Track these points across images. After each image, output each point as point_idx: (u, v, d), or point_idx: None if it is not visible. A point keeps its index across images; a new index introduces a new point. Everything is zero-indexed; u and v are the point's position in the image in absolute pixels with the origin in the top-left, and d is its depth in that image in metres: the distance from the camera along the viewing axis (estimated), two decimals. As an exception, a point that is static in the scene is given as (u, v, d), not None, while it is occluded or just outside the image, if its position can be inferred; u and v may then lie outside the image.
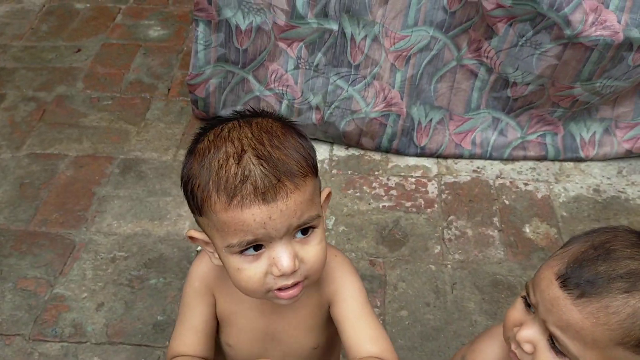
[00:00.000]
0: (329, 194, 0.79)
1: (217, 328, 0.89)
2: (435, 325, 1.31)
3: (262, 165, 0.67)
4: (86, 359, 1.22)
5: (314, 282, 0.77)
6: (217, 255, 0.76)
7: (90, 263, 1.41)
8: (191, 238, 0.78)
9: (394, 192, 1.62)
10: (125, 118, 1.83)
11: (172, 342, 0.89)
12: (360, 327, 0.84)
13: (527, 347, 0.72)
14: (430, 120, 1.68)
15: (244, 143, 0.69)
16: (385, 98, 1.61)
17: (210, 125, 0.75)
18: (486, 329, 0.90)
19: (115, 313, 1.31)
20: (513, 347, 0.75)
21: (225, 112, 1.71)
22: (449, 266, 1.44)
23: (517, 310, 0.74)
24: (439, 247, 1.48)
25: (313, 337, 0.87)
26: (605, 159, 1.69)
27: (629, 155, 1.69)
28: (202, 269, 0.86)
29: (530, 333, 0.71)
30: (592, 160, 1.69)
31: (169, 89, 1.95)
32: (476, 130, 1.69)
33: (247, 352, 0.87)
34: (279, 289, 0.73)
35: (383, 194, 1.62)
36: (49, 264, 1.41)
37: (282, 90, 1.63)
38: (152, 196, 1.59)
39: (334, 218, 1.55)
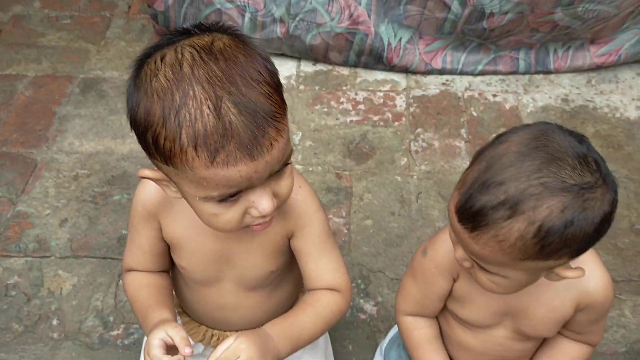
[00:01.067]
0: None
1: (170, 250, 0.88)
2: (399, 233, 1.32)
3: (243, 116, 0.61)
4: (51, 272, 1.23)
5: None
6: (173, 189, 0.71)
7: (52, 181, 1.40)
8: (144, 178, 0.71)
9: (361, 106, 1.60)
10: (85, 37, 1.77)
11: (125, 256, 0.89)
12: (320, 261, 0.85)
13: (466, 264, 0.74)
14: (400, 39, 1.63)
15: (215, 87, 0.60)
16: (351, 15, 1.55)
17: (154, 51, 0.63)
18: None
19: (79, 228, 1.31)
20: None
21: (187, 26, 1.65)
22: (415, 177, 1.44)
23: (451, 232, 0.75)
24: (405, 159, 1.47)
25: (271, 262, 0.86)
26: (573, 71, 1.67)
27: (598, 68, 1.67)
28: (144, 195, 0.83)
29: (461, 253, 0.74)
30: (562, 73, 1.67)
31: (129, 6, 1.87)
32: (447, 48, 1.65)
33: (201, 274, 0.86)
34: (257, 225, 0.72)
35: (351, 108, 1.60)
36: (10, 183, 1.39)
37: (244, 2, 1.57)
38: (114, 115, 1.56)
39: (300, 133, 1.53)
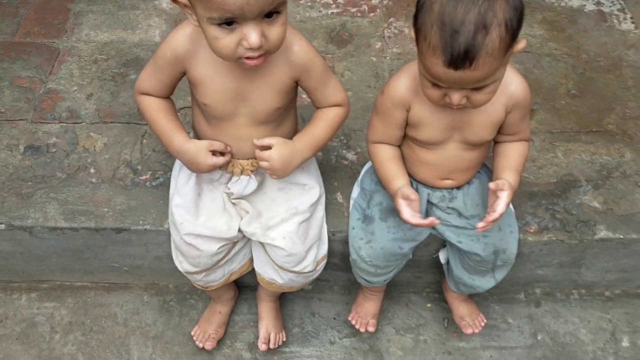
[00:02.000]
0: None
1: (192, 90, 1.12)
2: (374, 101, 1.57)
3: None
4: (84, 134, 1.46)
5: (273, 54, 0.98)
6: (195, 18, 0.96)
7: (75, 64, 1.61)
8: (175, 1, 0.95)
9: (341, 0, 1.82)
10: (89, -57, 1.93)
11: (142, 81, 1.12)
12: (324, 90, 1.13)
13: (464, 101, 0.96)
14: None
15: None
16: None
17: None
18: (397, 72, 1.13)
19: (103, 101, 1.53)
20: (446, 103, 0.99)
21: None
22: (388, 57, 1.68)
23: (434, 93, 0.98)
24: (379, 44, 1.71)
25: (278, 99, 1.10)
26: None
27: None
28: (175, 42, 1.05)
29: (457, 96, 0.95)
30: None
31: None
32: None
33: (220, 109, 1.10)
34: (247, 58, 0.95)
35: (331, 2, 1.82)
36: (39, 66, 1.60)
37: None
38: (123, 10, 1.76)
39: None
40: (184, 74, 1.10)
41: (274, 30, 0.93)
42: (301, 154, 1.14)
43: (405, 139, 1.18)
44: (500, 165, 1.12)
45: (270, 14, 0.91)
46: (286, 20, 0.95)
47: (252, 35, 0.90)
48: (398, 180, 1.14)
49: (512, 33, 0.90)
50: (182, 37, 1.05)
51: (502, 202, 1.04)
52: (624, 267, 1.42)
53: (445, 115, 1.08)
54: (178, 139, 1.12)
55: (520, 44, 0.95)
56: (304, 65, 1.08)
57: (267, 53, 0.95)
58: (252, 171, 1.19)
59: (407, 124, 1.13)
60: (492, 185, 1.06)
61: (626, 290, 1.50)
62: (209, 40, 0.94)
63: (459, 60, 0.88)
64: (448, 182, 1.19)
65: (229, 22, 0.90)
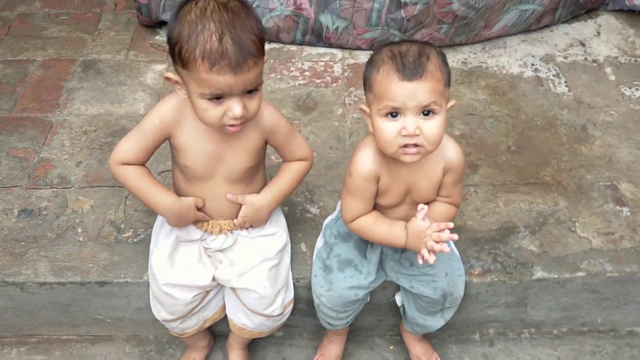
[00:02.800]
0: (265, 61, 1.14)
1: (173, 155, 1.29)
2: (336, 160, 1.74)
3: (235, 47, 1.03)
4: (73, 197, 1.62)
5: (250, 121, 1.18)
6: (184, 92, 1.14)
7: (66, 135, 1.79)
8: (167, 78, 1.15)
9: (307, 73, 2.03)
10: (81, 29, 2.16)
11: (120, 151, 1.25)
12: (290, 146, 1.33)
13: (417, 131, 1.07)
14: (337, 27, 2.06)
15: (223, 26, 1.03)
16: (295, 2, 1.98)
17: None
18: (356, 147, 1.26)
19: (91, 167, 1.70)
20: (404, 143, 1.08)
21: (165, 16, 2.06)
22: (348, 122, 1.87)
23: (390, 126, 1.09)
24: (341, 110, 1.91)
25: (250, 159, 1.29)
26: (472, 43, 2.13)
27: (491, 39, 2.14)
28: (164, 111, 1.23)
29: (412, 120, 1.07)
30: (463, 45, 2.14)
31: (115, 4, 2.28)
32: (375, 40, 2.07)
33: (201, 170, 1.27)
34: (230, 125, 1.14)
35: (299, 75, 2.03)
36: (33, 138, 1.77)
37: (211, -6, 1.99)
38: (111, 87, 1.95)
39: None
40: (166, 140, 1.26)
41: (253, 103, 1.13)
42: (269, 205, 1.34)
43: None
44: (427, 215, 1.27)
45: (251, 91, 1.11)
46: (261, 94, 1.16)
47: (235, 108, 1.10)
48: (396, 226, 1.22)
49: (446, 68, 1.09)
50: (169, 107, 1.23)
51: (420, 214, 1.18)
52: (565, 306, 1.56)
53: (402, 181, 1.24)
54: (167, 199, 1.27)
55: (451, 102, 1.15)
56: (271, 127, 1.27)
57: (245, 121, 1.15)
58: (228, 230, 1.35)
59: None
60: (418, 214, 1.17)
61: (572, 328, 1.63)
62: (198, 111, 1.13)
63: (410, 69, 1.04)
64: None
65: (217, 97, 1.09)
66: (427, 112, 1.07)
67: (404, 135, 1.08)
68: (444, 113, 1.09)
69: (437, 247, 1.12)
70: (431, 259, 1.12)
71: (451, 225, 1.12)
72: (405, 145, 1.09)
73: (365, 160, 1.21)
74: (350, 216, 1.27)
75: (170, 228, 1.35)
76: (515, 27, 2.11)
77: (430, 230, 1.14)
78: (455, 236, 1.12)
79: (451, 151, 1.23)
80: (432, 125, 1.08)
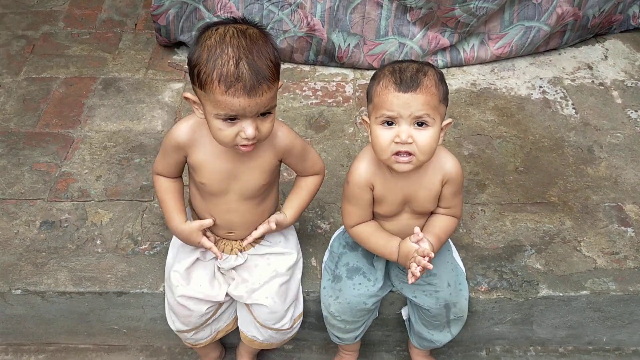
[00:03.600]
0: (281, 84, 1.21)
1: (190, 172, 1.35)
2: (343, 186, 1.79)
3: (250, 73, 1.09)
4: (92, 210, 1.68)
5: (264, 141, 1.24)
6: (201, 112, 1.20)
7: (87, 151, 1.85)
8: (186, 98, 1.22)
9: (319, 93, 2.09)
10: (102, 48, 2.24)
11: (156, 164, 1.37)
12: (304, 163, 1.38)
13: (410, 140, 1.15)
14: (348, 45, 2.13)
15: (240, 52, 1.09)
16: (308, 24, 2.06)
17: (214, 25, 1.14)
18: (354, 159, 1.34)
19: (110, 182, 1.76)
20: (397, 150, 1.16)
21: (183, 37, 2.14)
22: (359, 140, 1.92)
23: (385, 133, 1.17)
24: (352, 129, 1.96)
25: (264, 177, 1.34)
26: (481, 63, 2.19)
27: (498, 59, 2.19)
28: (179, 132, 1.30)
29: (405, 129, 1.16)
30: (471, 65, 2.19)
31: (135, 24, 2.36)
32: (386, 53, 2.15)
33: (215, 187, 1.33)
34: (242, 145, 1.20)
35: (311, 94, 2.09)
36: (55, 153, 1.84)
37: (227, 16, 2.06)
38: (130, 104, 2.03)
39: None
40: (185, 157, 1.33)
41: (265, 125, 1.18)
42: (292, 223, 1.43)
43: (371, 212, 1.38)
44: (426, 230, 1.33)
45: (264, 113, 1.16)
46: (275, 117, 1.21)
47: (248, 129, 1.15)
48: (392, 242, 1.30)
49: (442, 86, 1.18)
50: (185, 128, 1.29)
51: (426, 244, 1.26)
52: (570, 324, 1.58)
53: (399, 191, 1.30)
54: (176, 220, 1.36)
55: (447, 120, 1.22)
56: (285, 147, 1.32)
57: (258, 142, 1.20)
58: (240, 250, 1.41)
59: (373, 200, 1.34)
60: (413, 237, 1.25)
61: (577, 346, 1.65)
62: (213, 130, 1.18)
63: (407, 82, 1.14)
64: None
65: (232, 118, 1.14)
66: (420, 123, 1.16)
67: (397, 142, 1.17)
68: (437, 127, 1.18)
69: (416, 271, 1.23)
70: (416, 273, 1.23)
71: (432, 255, 1.23)
72: (398, 153, 1.17)
73: (360, 169, 1.30)
74: (349, 222, 1.35)
75: (192, 247, 1.42)
76: (524, 48, 2.16)
77: (416, 253, 1.24)
78: (430, 266, 1.22)
79: (449, 164, 1.29)
80: (425, 136, 1.17)
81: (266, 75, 1.11)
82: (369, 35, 2.12)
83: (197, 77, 1.13)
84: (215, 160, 1.29)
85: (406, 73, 1.16)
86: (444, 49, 2.15)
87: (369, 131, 1.24)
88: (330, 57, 2.14)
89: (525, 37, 2.14)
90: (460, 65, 2.18)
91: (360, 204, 1.32)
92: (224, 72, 1.08)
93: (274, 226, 1.36)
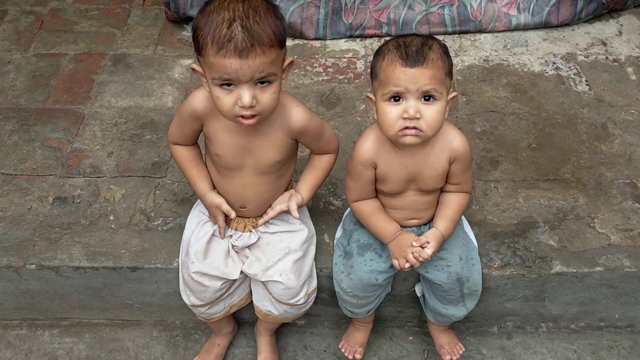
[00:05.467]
0: (291, 62, 1.21)
1: (206, 142, 1.35)
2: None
3: (243, 33, 1.07)
4: (104, 186, 1.68)
5: (266, 118, 1.21)
6: (204, 80, 1.19)
7: (98, 127, 1.85)
8: (193, 69, 1.21)
9: (330, 69, 2.08)
10: (111, 24, 2.23)
11: (171, 134, 1.37)
12: (319, 143, 1.36)
13: (418, 115, 1.15)
14: (354, 1, 2.12)
15: (235, 14, 1.09)
16: (316, -16, 2.05)
17: None
18: (360, 137, 1.34)
19: (122, 158, 1.76)
20: (405, 125, 1.16)
21: (193, 12, 2.12)
22: (370, 117, 1.91)
23: (392, 109, 1.17)
24: (363, 105, 1.95)
25: (279, 153, 1.32)
26: (491, 21, 2.15)
27: (507, 18, 2.16)
28: (195, 101, 1.29)
29: (413, 104, 1.15)
30: (480, 27, 2.16)
31: (144, 0, 2.33)
32: (390, 6, 2.13)
33: (230, 160, 1.32)
34: (242, 117, 1.18)
35: (322, 71, 2.07)
36: (66, 129, 1.84)
37: (238, -9, 2.04)
38: (140, 80, 2.01)
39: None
40: (202, 126, 1.32)
41: (265, 96, 1.15)
42: (307, 201, 1.42)
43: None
44: (439, 214, 1.35)
45: (263, 82, 1.14)
46: (278, 89, 1.17)
47: (244, 95, 1.13)
48: (389, 226, 1.34)
49: (447, 59, 1.17)
50: (201, 97, 1.28)
51: (427, 251, 1.30)
52: (583, 301, 1.58)
53: (403, 170, 1.30)
54: (200, 189, 1.37)
55: (453, 94, 1.22)
56: (299, 128, 1.30)
57: (259, 115, 1.17)
58: (253, 227, 1.40)
59: (376, 179, 1.34)
60: (414, 242, 1.30)
61: (589, 323, 1.66)
62: (214, 100, 1.17)
63: (413, 56, 1.13)
64: (414, 222, 1.39)
65: (228, 84, 1.13)
66: (427, 97, 1.16)
67: (404, 118, 1.16)
68: (444, 101, 1.17)
69: (412, 260, 1.31)
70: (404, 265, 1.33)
71: (427, 259, 1.31)
72: (406, 128, 1.17)
73: (363, 147, 1.30)
74: (351, 197, 1.37)
75: (210, 224, 1.42)
76: (532, 12, 2.14)
77: (411, 248, 1.30)
78: (428, 256, 1.31)
79: (456, 141, 1.28)
80: (432, 110, 1.16)
81: (260, 38, 1.08)
82: None
83: (196, 43, 1.13)
84: (229, 133, 1.28)
85: (411, 47, 1.14)
86: (450, 4, 2.13)
87: (375, 109, 1.23)
88: (338, 16, 2.12)
89: None
90: (468, 26, 2.15)
91: (362, 181, 1.32)
92: (216, 33, 1.08)
93: (295, 212, 1.35)
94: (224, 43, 1.07)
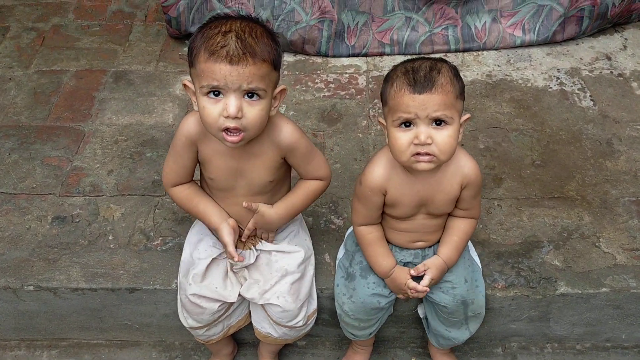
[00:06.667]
0: (283, 90, 1.20)
1: (200, 167, 1.33)
2: (360, 171, 1.75)
3: (237, 43, 1.08)
4: (104, 205, 1.67)
5: (252, 137, 1.19)
6: (194, 99, 1.18)
7: (98, 145, 1.84)
8: (185, 86, 1.20)
9: (332, 85, 2.06)
10: (113, 40, 2.23)
11: (167, 177, 1.34)
12: (307, 166, 1.33)
13: (429, 140, 1.13)
14: (357, 23, 2.11)
15: (232, 28, 1.10)
16: (320, 7, 2.03)
17: (220, 17, 1.16)
18: (368, 161, 1.32)
19: (122, 176, 1.75)
20: (416, 151, 1.15)
21: (194, 28, 2.10)
22: (372, 134, 1.89)
23: (403, 135, 1.15)
24: (365, 122, 1.93)
25: (270, 174, 1.31)
26: (495, 42, 2.14)
27: (512, 39, 2.14)
28: (187, 127, 1.27)
29: (424, 130, 1.13)
30: (485, 47, 2.15)
31: (146, 16, 2.33)
32: (393, 28, 2.13)
33: (223, 183, 1.32)
34: (227, 130, 1.15)
35: (323, 87, 2.06)
36: (67, 147, 1.83)
37: (238, 7, 2.04)
38: (141, 97, 2.01)
39: (285, 106, 1.99)
40: (196, 154, 1.30)
41: (252, 111, 1.14)
42: (279, 219, 1.36)
43: (383, 214, 1.36)
44: (444, 240, 1.34)
45: (251, 95, 1.12)
46: (266, 108, 1.15)
47: (230, 104, 1.11)
48: (385, 261, 1.33)
49: (458, 81, 1.15)
50: (192, 122, 1.27)
51: (425, 281, 1.29)
52: (589, 321, 1.55)
53: (414, 195, 1.27)
54: (213, 222, 1.34)
55: (465, 115, 1.19)
56: (288, 145, 1.28)
57: (244, 132, 1.15)
58: (253, 245, 1.39)
59: (384, 204, 1.31)
60: (412, 272, 1.30)
61: (595, 343, 1.62)
62: (200, 112, 1.16)
63: (421, 82, 1.11)
64: (420, 244, 1.36)
65: (216, 93, 1.11)
66: (439, 122, 1.14)
67: (416, 144, 1.14)
68: (456, 124, 1.15)
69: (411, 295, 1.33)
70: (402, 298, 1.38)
71: (425, 291, 1.32)
72: (418, 154, 1.15)
73: (374, 173, 1.27)
74: (357, 220, 1.34)
75: (209, 247, 1.40)
76: (538, 32, 2.12)
77: (406, 287, 1.32)
78: (426, 289, 1.31)
79: (468, 166, 1.26)
80: (444, 135, 1.14)
81: (253, 50, 1.09)
82: (377, 12, 2.11)
83: (189, 55, 1.13)
84: (223, 157, 1.27)
85: (419, 73, 1.12)
86: (454, 25, 2.11)
87: (387, 134, 1.21)
88: (340, 39, 2.11)
89: (537, 16, 2.10)
90: (472, 46, 2.14)
91: (369, 206, 1.31)
92: (211, 43, 1.09)
93: (250, 205, 1.30)
94: (216, 49, 1.08)
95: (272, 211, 1.34)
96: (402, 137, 1.15)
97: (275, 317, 1.38)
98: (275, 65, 1.14)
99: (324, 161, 1.36)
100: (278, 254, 1.41)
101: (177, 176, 1.34)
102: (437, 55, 2.11)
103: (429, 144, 1.13)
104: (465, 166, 1.25)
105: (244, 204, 1.31)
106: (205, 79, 1.10)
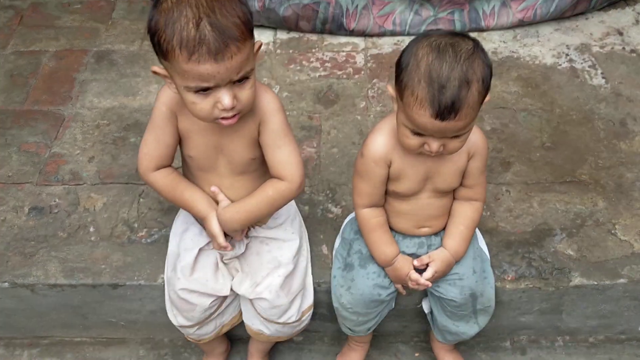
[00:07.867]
0: (260, 46, 1.06)
1: (180, 146, 1.21)
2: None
3: (214, 32, 0.94)
4: (84, 195, 1.56)
5: (246, 113, 1.08)
6: (174, 86, 1.06)
7: (79, 129, 1.72)
8: (154, 72, 1.07)
9: (328, 64, 1.94)
10: (94, 18, 2.09)
11: (146, 157, 1.19)
12: (275, 154, 1.17)
13: (441, 149, 1.07)
14: (356, 6, 1.97)
15: (200, 10, 0.94)
16: (316, -14, 1.90)
17: None
18: (369, 132, 1.22)
19: (104, 163, 1.63)
20: (419, 151, 1.10)
21: (181, 5, 1.98)
22: (371, 115, 1.78)
23: (414, 139, 1.07)
24: (364, 103, 1.82)
25: (250, 150, 1.19)
26: (502, 28, 2.02)
27: (521, 24, 2.02)
28: (166, 96, 1.15)
29: (438, 144, 1.06)
30: (492, 29, 2.03)
31: (130, -8, 2.20)
32: (396, 12, 1.99)
33: (203, 161, 1.20)
34: (223, 118, 1.06)
35: (319, 66, 1.94)
36: (45, 132, 1.71)
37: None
38: (124, 78, 1.88)
39: (278, 87, 1.87)
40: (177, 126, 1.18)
41: (244, 93, 1.04)
42: (233, 222, 1.19)
43: (385, 195, 1.26)
44: (449, 231, 1.25)
45: (240, 80, 1.01)
46: (255, 82, 1.05)
47: (225, 99, 1.01)
48: (389, 250, 1.24)
49: (486, 87, 1.03)
50: (170, 92, 1.12)
51: (428, 273, 1.22)
52: (603, 313, 1.46)
53: (420, 166, 1.18)
54: (200, 210, 1.21)
55: (487, 98, 1.08)
56: (264, 114, 1.15)
57: (239, 113, 1.06)
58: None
59: (388, 178, 1.21)
60: (416, 262, 1.23)
61: (609, 336, 1.53)
62: (188, 105, 1.04)
63: (445, 112, 0.99)
64: (425, 230, 1.26)
65: (203, 90, 1.00)
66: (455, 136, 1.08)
67: (427, 149, 1.09)
68: (470, 131, 1.10)
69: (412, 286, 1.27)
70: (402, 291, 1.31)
71: (429, 284, 1.24)
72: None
73: (377, 143, 1.18)
74: (361, 201, 1.23)
75: (195, 237, 1.29)
76: (549, 14, 2.00)
77: (407, 277, 1.25)
78: (428, 284, 1.24)
79: (475, 135, 1.18)
80: (457, 141, 1.09)
81: (233, 34, 0.95)
82: None
83: (158, 47, 0.98)
84: (202, 132, 1.16)
85: (446, 93, 0.98)
86: (461, 9, 1.98)
87: (395, 107, 1.11)
88: (338, 25, 1.98)
89: (550, 1, 1.97)
90: (479, 29, 2.01)
91: (373, 180, 1.20)
92: (184, 36, 0.93)
93: (220, 196, 1.20)
94: (195, 47, 0.94)
95: (225, 214, 1.19)
96: (413, 142, 1.09)
97: (265, 314, 1.28)
98: (252, 31, 1.01)
99: (295, 159, 1.17)
100: (271, 242, 1.30)
101: (159, 157, 1.20)
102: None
103: (440, 152, 1.09)
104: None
105: (212, 188, 1.20)
106: (191, 80, 0.98)
